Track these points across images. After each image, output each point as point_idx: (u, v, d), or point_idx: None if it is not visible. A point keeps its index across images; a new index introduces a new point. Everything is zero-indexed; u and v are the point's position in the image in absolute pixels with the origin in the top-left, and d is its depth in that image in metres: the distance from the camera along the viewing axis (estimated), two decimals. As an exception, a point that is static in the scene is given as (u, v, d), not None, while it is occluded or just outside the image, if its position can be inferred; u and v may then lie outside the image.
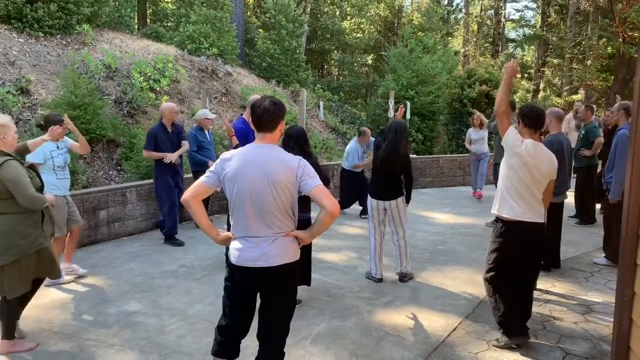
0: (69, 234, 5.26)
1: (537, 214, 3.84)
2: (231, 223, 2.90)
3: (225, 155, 2.87)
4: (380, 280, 5.38)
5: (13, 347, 3.76)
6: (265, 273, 2.78)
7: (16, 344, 3.80)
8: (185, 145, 6.86)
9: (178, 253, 6.39)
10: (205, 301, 4.82)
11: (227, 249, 3.07)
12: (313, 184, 2.73)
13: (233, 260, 2.84)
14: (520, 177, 3.79)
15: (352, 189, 8.57)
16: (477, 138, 9.92)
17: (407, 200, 5.40)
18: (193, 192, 2.86)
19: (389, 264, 5.73)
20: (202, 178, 2.89)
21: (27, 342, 3.88)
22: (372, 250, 5.44)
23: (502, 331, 3.94)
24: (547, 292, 5.06)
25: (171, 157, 6.56)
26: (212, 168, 2.88)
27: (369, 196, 5.48)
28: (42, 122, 4.98)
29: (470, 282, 5.39)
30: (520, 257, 3.86)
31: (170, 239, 6.75)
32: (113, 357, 3.72)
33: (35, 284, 3.92)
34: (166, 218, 6.75)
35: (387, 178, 5.29)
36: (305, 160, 2.84)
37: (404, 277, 5.39)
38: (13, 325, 3.79)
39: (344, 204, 8.72)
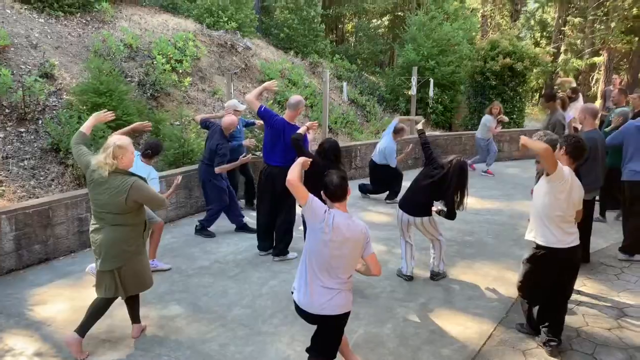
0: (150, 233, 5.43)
1: (571, 238, 3.95)
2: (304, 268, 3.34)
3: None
4: (410, 278, 5.45)
5: (80, 346, 4.00)
6: (320, 319, 3.30)
7: (81, 347, 4.03)
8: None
9: (210, 245, 6.51)
10: (243, 303, 4.95)
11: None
12: (370, 251, 3.33)
13: (295, 299, 3.37)
14: (558, 205, 3.88)
15: (382, 181, 8.57)
16: (494, 125, 10.43)
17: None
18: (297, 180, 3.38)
19: (420, 258, 5.80)
20: (312, 197, 3.28)
21: (85, 351, 4.04)
22: (402, 251, 5.49)
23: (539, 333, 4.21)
24: (578, 292, 5.10)
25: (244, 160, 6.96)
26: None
27: (397, 205, 5.48)
28: (149, 151, 5.59)
29: (501, 280, 5.46)
30: (554, 279, 4.03)
31: (202, 230, 6.86)
32: (162, 369, 3.88)
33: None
34: (211, 214, 6.84)
35: (420, 196, 5.23)
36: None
37: (435, 276, 5.47)
38: (90, 326, 4.07)
39: (373, 192, 8.76)
